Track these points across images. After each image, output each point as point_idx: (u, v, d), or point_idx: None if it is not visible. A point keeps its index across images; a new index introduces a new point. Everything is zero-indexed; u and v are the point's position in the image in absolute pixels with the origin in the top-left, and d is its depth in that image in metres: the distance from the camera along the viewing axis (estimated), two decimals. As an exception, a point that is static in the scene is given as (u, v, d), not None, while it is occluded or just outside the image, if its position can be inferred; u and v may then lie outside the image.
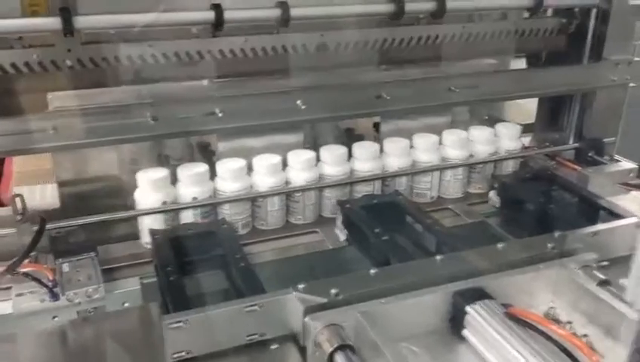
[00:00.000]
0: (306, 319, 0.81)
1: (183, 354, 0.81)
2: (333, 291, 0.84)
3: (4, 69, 1.06)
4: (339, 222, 1.18)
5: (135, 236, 1.17)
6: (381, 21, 1.28)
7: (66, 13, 0.98)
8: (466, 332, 0.85)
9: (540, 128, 1.61)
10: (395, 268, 0.94)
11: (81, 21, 1.00)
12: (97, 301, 0.94)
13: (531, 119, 1.64)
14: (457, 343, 0.86)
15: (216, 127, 1.12)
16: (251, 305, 0.83)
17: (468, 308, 0.84)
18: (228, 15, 1.08)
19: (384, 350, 0.76)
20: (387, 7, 1.20)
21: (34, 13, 1.02)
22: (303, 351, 0.84)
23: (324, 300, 0.84)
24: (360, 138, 1.38)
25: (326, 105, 1.21)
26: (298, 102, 1.17)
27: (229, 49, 1.18)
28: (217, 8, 1.07)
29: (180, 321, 0.80)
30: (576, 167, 1.39)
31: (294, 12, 1.12)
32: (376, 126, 1.44)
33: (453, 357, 0.85)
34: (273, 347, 0.86)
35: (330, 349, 0.77)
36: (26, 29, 1.01)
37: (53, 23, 0.99)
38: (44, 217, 1.00)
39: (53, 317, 0.94)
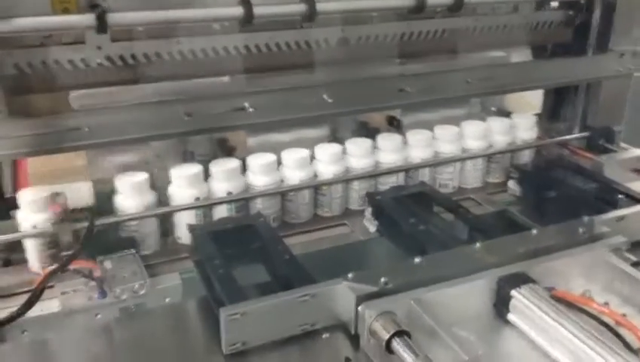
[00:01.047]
0: (360, 307, 0.82)
1: (238, 345, 0.83)
2: (382, 280, 0.86)
3: (34, 67, 1.05)
4: (368, 213, 1.19)
5: (165, 233, 1.17)
6: (399, 15, 1.30)
7: (100, 11, 0.98)
8: (511, 316, 0.87)
9: (546, 118, 1.64)
10: (438, 256, 0.95)
11: (115, 18, 1.00)
12: (142, 297, 0.95)
13: (534, 110, 1.68)
14: (502, 326, 0.88)
15: (248, 122, 1.13)
16: (304, 296, 0.84)
17: (513, 292, 0.87)
18: (256, 11, 1.08)
19: (442, 334, 0.78)
20: (409, 1, 1.22)
21: (65, 11, 1.02)
22: (353, 339, 0.85)
23: (375, 289, 0.85)
24: (376, 131, 1.40)
25: (351, 98, 1.22)
26: (324, 96, 1.18)
27: (254, 44, 1.19)
28: (246, 4, 1.08)
29: (237, 313, 0.81)
30: (587, 154, 1.43)
31: (320, 7, 1.13)
32: (390, 119, 1.46)
33: (501, 340, 0.88)
34: (324, 336, 0.87)
35: (387, 336, 0.78)
36: (60, 27, 1.00)
37: (87, 19, 0.98)
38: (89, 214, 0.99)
39: (96, 315, 0.94)
